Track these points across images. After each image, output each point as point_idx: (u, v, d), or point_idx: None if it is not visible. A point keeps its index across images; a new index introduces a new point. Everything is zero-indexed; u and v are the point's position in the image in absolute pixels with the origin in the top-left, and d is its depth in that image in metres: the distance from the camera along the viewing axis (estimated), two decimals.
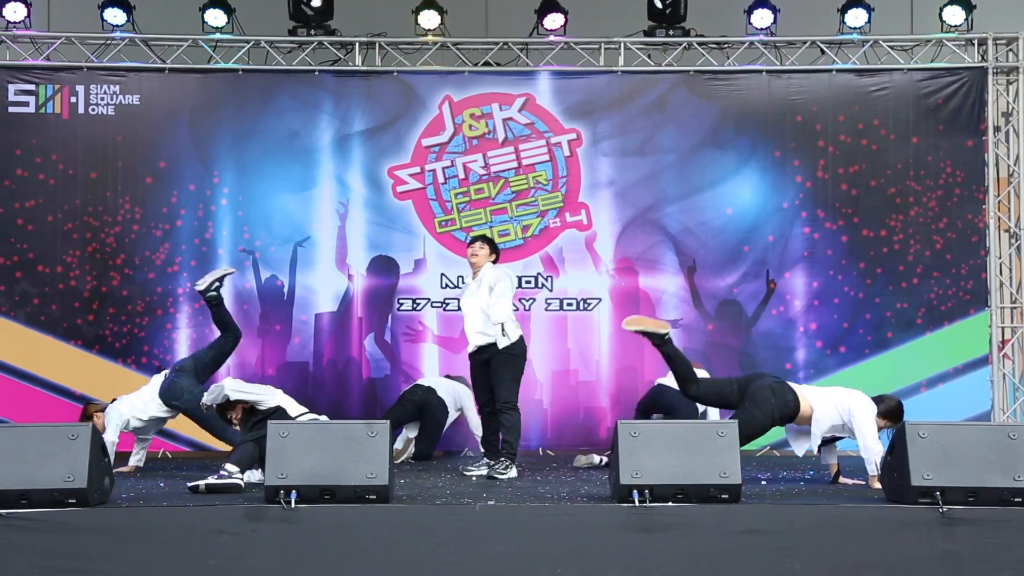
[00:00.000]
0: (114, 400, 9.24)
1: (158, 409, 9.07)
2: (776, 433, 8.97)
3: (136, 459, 9.30)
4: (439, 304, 11.27)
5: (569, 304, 11.35)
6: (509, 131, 11.40)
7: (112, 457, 8.44)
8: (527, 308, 11.25)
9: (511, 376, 8.76)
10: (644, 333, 8.32)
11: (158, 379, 9.20)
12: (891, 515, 6.77)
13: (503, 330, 8.70)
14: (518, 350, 8.80)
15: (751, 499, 7.21)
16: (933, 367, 11.13)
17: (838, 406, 8.03)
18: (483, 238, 9.16)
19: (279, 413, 8.00)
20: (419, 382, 10.68)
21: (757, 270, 11.30)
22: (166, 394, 9.03)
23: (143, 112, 11.26)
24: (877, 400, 8.14)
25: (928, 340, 11.16)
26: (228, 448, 8.82)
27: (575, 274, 11.38)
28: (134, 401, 9.11)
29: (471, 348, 8.92)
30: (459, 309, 11.12)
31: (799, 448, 8.28)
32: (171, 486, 8.13)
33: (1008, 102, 11.29)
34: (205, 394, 8.23)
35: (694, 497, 6.83)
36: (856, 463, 8.29)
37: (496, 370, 8.74)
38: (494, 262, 9.01)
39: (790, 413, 8.08)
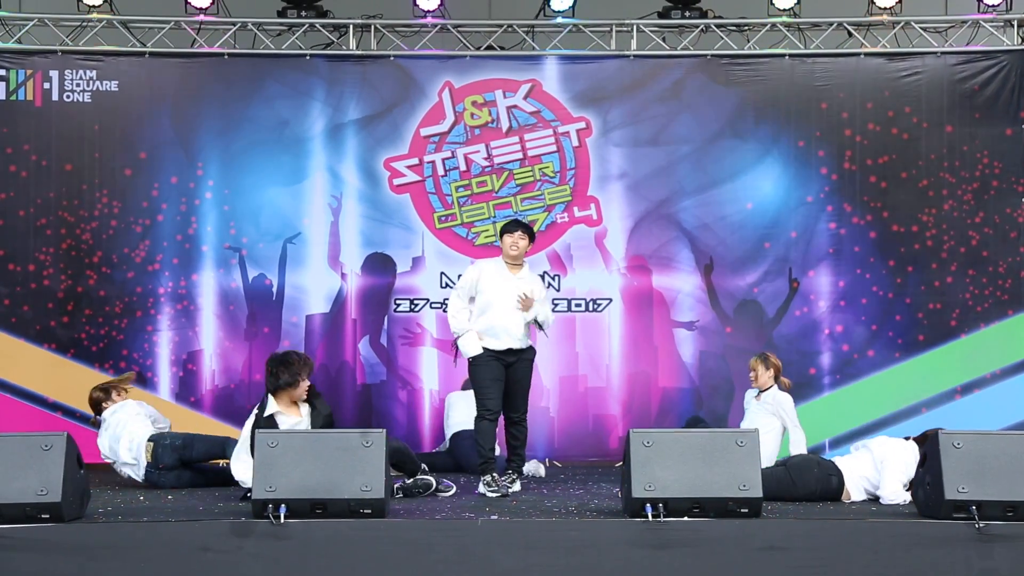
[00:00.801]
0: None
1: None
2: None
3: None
4: (439, 305, 11.26)
5: (577, 305, 11.34)
6: (514, 120, 11.40)
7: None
8: None
9: (529, 386, 8.78)
10: None
11: (145, 437, 9.04)
12: (924, 531, 6.76)
13: (537, 333, 8.74)
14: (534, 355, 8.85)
15: (773, 514, 7.20)
16: (968, 372, 11.11)
17: (875, 464, 7.94)
18: (525, 226, 8.84)
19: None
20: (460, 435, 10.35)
21: (779, 268, 11.29)
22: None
23: (122, 99, 11.25)
24: (921, 439, 7.97)
25: (963, 343, 11.14)
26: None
27: (584, 273, 11.37)
28: (125, 431, 9.06)
29: (501, 347, 8.63)
30: None
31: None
32: (151, 500, 8.13)
33: None
34: None
35: (712, 511, 6.82)
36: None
37: (522, 379, 8.67)
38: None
39: (832, 492, 7.98)
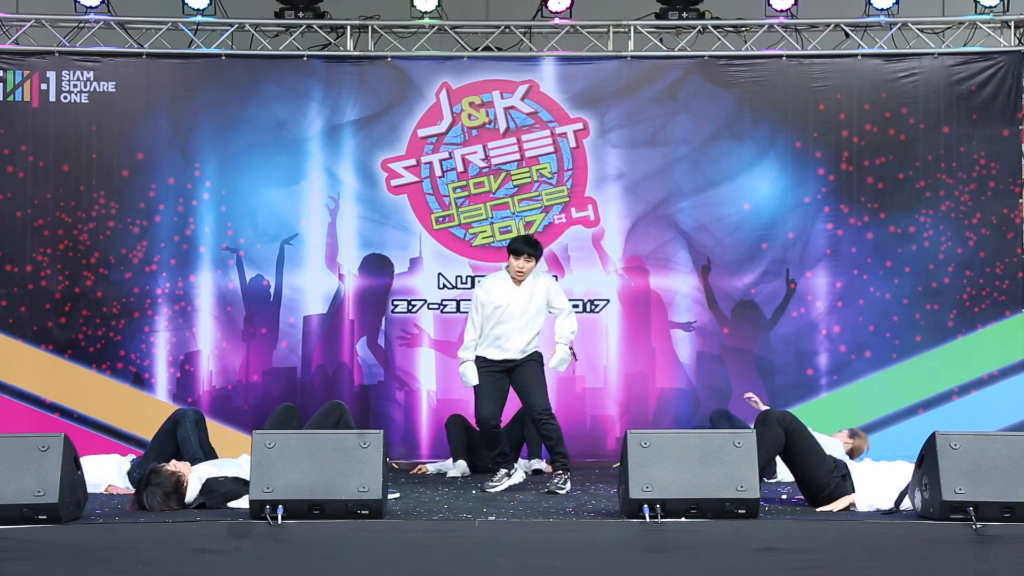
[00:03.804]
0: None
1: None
2: None
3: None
4: (436, 306, 11.27)
5: (575, 305, 11.28)
6: (511, 121, 11.40)
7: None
8: None
9: (544, 382, 8.72)
10: None
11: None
12: (921, 532, 6.75)
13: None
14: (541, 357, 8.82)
15: (770, 515, 7.20)
16: (966, 373, 11.12)
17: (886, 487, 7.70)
18: (527, 241, 8.69)
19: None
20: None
21: (776, 269, 11.29)
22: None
23: (119, 100, 11.25)
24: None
25: (960, 344, 11.15)
26: None
27: (581, 273, 11.38)
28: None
29: (499, 358, 8.63)
30: (459, 311, 11.17)
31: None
32: None
33: None
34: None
35: (709, 512, 6.82)
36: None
37: (528, 376, 8.63)
38: None
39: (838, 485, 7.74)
